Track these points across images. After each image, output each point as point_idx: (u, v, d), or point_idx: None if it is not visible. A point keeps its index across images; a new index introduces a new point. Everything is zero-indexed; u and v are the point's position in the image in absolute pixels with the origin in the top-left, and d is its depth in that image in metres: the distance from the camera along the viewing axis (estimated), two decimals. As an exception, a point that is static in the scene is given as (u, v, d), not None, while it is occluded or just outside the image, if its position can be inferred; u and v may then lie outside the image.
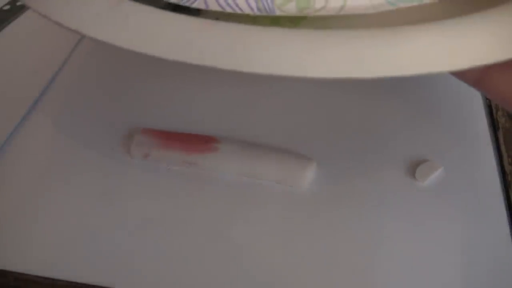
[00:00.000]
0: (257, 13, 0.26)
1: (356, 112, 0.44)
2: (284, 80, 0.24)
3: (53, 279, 0.34)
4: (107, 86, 0.47)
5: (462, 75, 0.32)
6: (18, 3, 0.56)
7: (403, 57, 0.24)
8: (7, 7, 0.56)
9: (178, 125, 0.42)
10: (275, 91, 0.46)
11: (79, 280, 0.34)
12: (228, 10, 0.26)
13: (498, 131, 0.43)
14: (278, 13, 0.26)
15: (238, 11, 0.26)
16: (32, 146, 0.42)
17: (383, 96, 0.45)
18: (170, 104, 0.45)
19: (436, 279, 0.34)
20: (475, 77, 0.31)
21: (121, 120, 0.43)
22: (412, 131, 0.42)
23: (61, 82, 0.47)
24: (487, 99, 0.45)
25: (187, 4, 0.26)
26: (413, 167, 0.40)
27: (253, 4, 0.25)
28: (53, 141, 0.42)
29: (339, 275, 0.34)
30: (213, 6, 0.26)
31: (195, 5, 0.26)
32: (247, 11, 0.26)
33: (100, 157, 0.41)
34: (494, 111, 0.44)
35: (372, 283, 0.34)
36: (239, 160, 0.39)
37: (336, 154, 0.41)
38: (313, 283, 0.34)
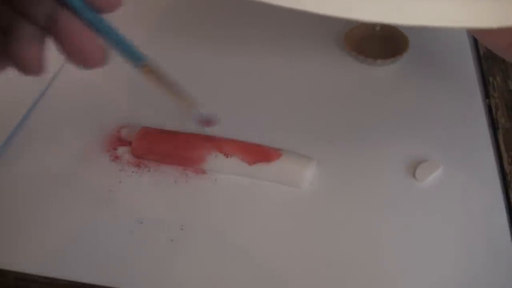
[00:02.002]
0: None
1: (356, 112, 0.44)
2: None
3: (52, 279, 0.34)
4: (107, 86, 0.47)
5: (493, 39, 0.32)
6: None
7: (438, 10, 0.26)
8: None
9: (179, 125, 0.42)
10: (275, 91, 0.46)
11: (78, 280, 0.34)
12: None
13: (498, 131, 0.43)
14: None
15: None
16: (32, 146, 0.42)
17: (383, 96, 0.45)
18: (170, 104, 0.45)
19: (436, 278, 0.34)
20: (507, 42, 0.31)
21: (122, 121, 0.43)
22: (412, 131, 0.42)
23: (61, 82, 0.47)
24: (487, 99, 0.45)
25: None
26: (413, 167, 0.40)
27: None
28: (53, 142, 0.42)
29: (339, 273, 0.34)
30: None
31: None
32: None
33: (100, 158, 0.41)
34: (494, 111, 0.44)
35: (372, 282, 0.34)
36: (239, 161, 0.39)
37: (336, 154, 0.41)
38: (313, 282, 0.34)
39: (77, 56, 0.27)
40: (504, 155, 0.41)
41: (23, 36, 0.26)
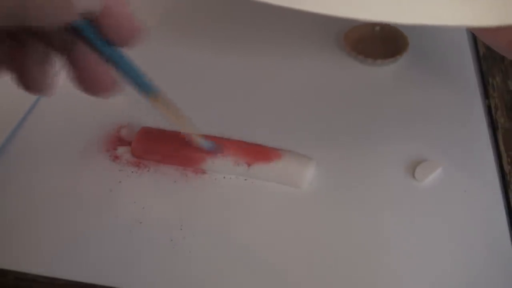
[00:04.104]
0: None
1: (355, 112, 0.44)
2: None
3: (52, 278, 0.34)
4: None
5: (494, 37, 0.33)
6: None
7: (438, 9, 0.26)
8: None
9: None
10: (275, 91, 0.46)
11: (78, 279, 0.34)
12: None
13: (498, 131, 0.43)
14: None
15: None
16: (32, 146, 0.42)
17: (383, 96, 0.46)
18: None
19: (436, 278, 0.34)
20: (508, 39, 0.31)
21: (122, 121, 0.43)
22: (412, 131, 0.43)
23: (61, 82, 0.47)
24: (486, 99, 0.45)
25: None
26: (413, 167, 0.40)
27: None
28: (52, 142, 0.42)
29: (339, 273, 0.34)
30: None
31: None
32: None
33: (100, 158, 0.41)
34: (494, 111, 0.44)
35: (372, 282, 0.34)
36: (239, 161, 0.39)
37: (336, 154, 0.41)
38: (313, 282, 0.34)
39: (87, 84, 0.27)
40: (504, 155, 0.41)
41: (34, 53, 0.26)
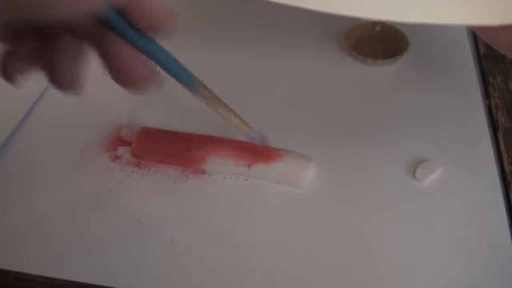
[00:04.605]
0: None
1: (356, 112, 0.44)
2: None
3: (53, 279, 0.34)
4: (107, 86, 0.46)
5: (495, 36, 0.33)
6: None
7: (440, 7, 0.26)
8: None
9: (179, 125, 0.42)
10: (275, 91, 0.46)
11: (78, 280, 0.34)
12: None
13: (498, 131, 0.43)
14: None
15: None
16: (32, 146, 0.42)
17: (383, 96, 0.45)
18: (170, 104, 0.45)
19: (436, 277, 0.34)
20: (510, 39, 0.31)
21: (122, 121, 0.43)
22: (412, 131, 0.42)
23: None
24: (487, 99, 0.45)
25: None
26: (413, 167, 0.39)
27: None
28: (52, 142, 0.42)
29: (339, 273, 0.34)
30: None
31: None
32: None
33: (100, 158, 0.41)
34: (494, 111, 0.44)
35: (372, 282, 0.34)
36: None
37: (336, 154, 0.41)
38: (313, 281, 0.34)
39: (124, 77, 0.25)
40: (504, 155, 0.41)
41: (62, 48, 0.25)
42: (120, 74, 0.26)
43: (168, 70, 0.28)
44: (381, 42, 0.50)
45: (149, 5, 0.24)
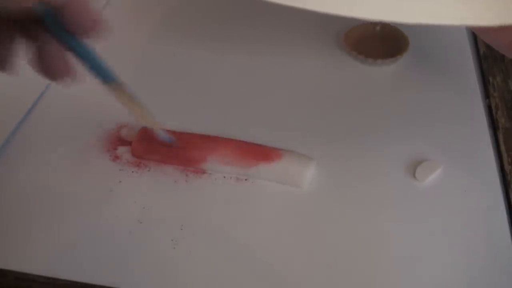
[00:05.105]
0: None
1: (356, 112, 0.44)
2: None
3: (53, 278, 0.34)
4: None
5: (495, 36, 0.33)
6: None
7: (440, 8, 0.26)
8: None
9: (179, 125, 0.42)
10: (275, 91, 0.46)
11: (78, 280, 0.34)
12: None
13: (498, 131, 0.43)
14: None
15: None
16: (32, 146, 0.42)
17: (383, 96, 0.45)
18: (170, 104, 0.45)
19: (436, 277, 0.34)
20: (509, 39, 0.32)
21: (121, 121, 0.43)
22: (412, 131, 0.42)
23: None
24: (487, 99, 0.45)
25: None
26: (413, 167, 0.40)
27: None
28: (52, 142, 0.42)
29: (339, 273, 0.34)
30: None
31: None
32: None
33: (100, 157, 0.41)
34: (494, 111, 0.44)
35: (372, 281, 0.34)
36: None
37: (336, 154, 0.41)
38: (313, 281, 0.34)
39: (44, 69, 0.28)
40: (504, 155, 0.41)
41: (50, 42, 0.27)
42: (42, 66, 0.28)
43: (90, 67, 0.30)
44: (381, 42, 0.50)
45: (77, 9, 0.26)
